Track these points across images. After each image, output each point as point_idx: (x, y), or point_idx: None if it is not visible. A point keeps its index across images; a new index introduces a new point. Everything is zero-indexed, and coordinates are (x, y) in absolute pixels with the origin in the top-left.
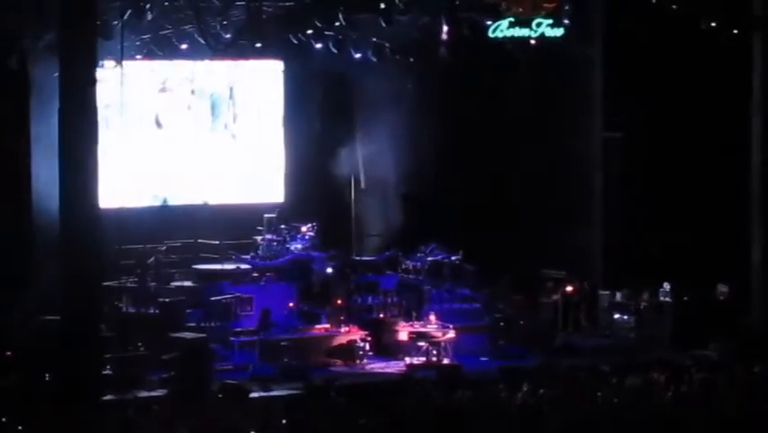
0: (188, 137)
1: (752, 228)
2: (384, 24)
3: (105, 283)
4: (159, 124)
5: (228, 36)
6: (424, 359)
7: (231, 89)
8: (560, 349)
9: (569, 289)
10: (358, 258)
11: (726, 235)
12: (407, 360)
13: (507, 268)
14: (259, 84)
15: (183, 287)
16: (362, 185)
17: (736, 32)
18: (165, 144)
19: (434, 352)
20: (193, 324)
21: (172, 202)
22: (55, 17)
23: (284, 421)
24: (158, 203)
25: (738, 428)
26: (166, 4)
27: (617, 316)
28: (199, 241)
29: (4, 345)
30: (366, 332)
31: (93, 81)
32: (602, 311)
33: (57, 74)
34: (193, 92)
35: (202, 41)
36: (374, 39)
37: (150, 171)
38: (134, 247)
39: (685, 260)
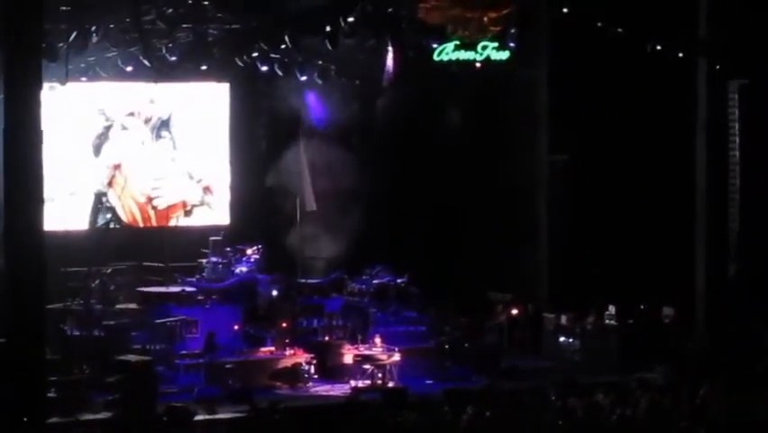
0: (130, 160)
1: (696, 252)
2: (330, 47)
3: (50, 306)
4: (97, 151)
5: (174, 58)
6: (369, 382)
7: (170, 114)
8: (505, 372)
9: (514, 311)
10: (303, 280)
11: (671, 258)
12: (353, 383)
13: (453, 290)
14: (204, 106)
15: (128, 309)
16: (309, 207)
17: (681, 55)
18: (105, 168)
19: (380, 375)
20: (138, 346)
21: (115, 224)
22: None
23: None
24: (101, 224)
25: None
26: (111, 26)
27: (562, 338)
28: (144, 263)
29: None
30: (311, 355)
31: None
32: (547, 334)
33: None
34: (132, 114)
35: (147, 64)
36: (320, 62)
37: (92, 194)
38: (79, 270)
39: (631, 283)
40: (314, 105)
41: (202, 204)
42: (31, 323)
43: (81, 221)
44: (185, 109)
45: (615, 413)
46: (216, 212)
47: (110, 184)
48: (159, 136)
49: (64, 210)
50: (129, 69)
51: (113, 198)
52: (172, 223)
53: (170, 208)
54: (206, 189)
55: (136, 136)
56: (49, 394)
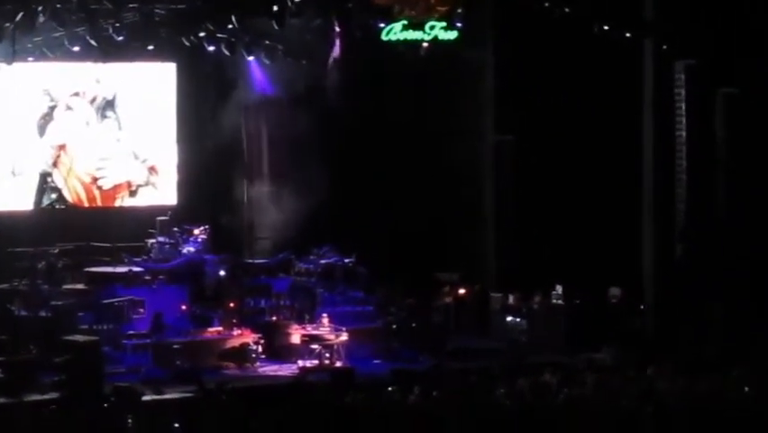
0: (75, 140)
1: (643, 232)
2: (276, 27)
3: None
4: (42, 131)
5: (121, 38)
6: (316, 362)
7: (115, 94)
8: (452, 352)
9: (461, 291)
10: (250, 261)
11: (619, 238)
12: (300, 363)
13: (400, 271)
14: (151, 86)
15: (75, 289)
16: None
17: (627, 35)
18: (50, 148)
19: (327, 355)
20: (85, 327)
21: (60, 204)
22: None
23: (176, 424)
24: (46, 205)
25: (630, 430)
26: (58, 6)
27: (509, 318)
28: (91, 243)
29: None
30: (258, 335)
31: None
32: (494, 314)
33: None
34: (77, 94)
35: (94, 44)
36: (267, 41)
37: (37, 174)
38: (26, 250)
39: (578, 263)
40: (259, 81)
41: (147, 184)
42: None
43: (26, 201)
44: (130, 89)
45: (562, 393)
46: (161, 192)
47: (55, 164)
48: (104, 116)
49: (8, 191)
50: (76, 48)
51: (58, 179)
52: (117, 203)
53: (115, 189)
54: (152, 170)
55: (81, 116)
56: None
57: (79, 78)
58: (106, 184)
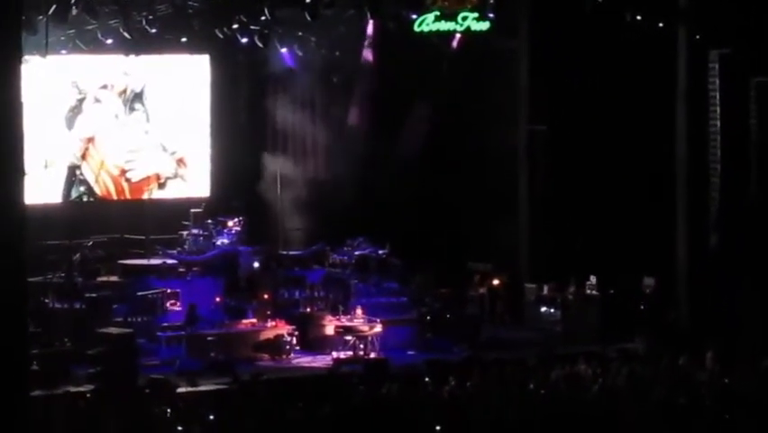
0: (103, 133)
1: (677, 222)
2: (309, 18)
3: (31, 279)
4: (70, 124)
5: (154, 31)
6: (351, 353)
7: (144, 87)
8: (486, 342)
9: (495, 282)
10: (284, 252)
11: (652, 228)
12: (334, 354)
13: (434, 261)
14: (181, 78)
15: (109, 282)
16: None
17: (661, 24)
18: (78, 141)
19: (361, 346)
20: (119, 319)
21: (89, 197)
22: None
23: (211, 416)
24: (75, 197)
25: (663, 419)
26: None
27: (543, 309)
28: (125, 236)
29: None
30: (293, 326)
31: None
32: (528, 304)
33: None
34: (105, 87)
35: (128, 36)
36: (299, 33)
37: (65, 167)
38: (60, 243)
39: (612, 253)
40: (292, 73)
41: (175, 176)
42: (13, 296)
43: (54, 194)
44: (159, 81)
45: (596, 383)
46: (190, 184)
47: (83, 157)
48: (132, 109)
49: (39, 183)
50: (109, 41)
51: (86, 171)
52: (146, 196)
53: (144, 181)
54: (180, 162)
55: (110, 109)
56: (30, 367)
57: (108, 70)
58: (135, 176)
